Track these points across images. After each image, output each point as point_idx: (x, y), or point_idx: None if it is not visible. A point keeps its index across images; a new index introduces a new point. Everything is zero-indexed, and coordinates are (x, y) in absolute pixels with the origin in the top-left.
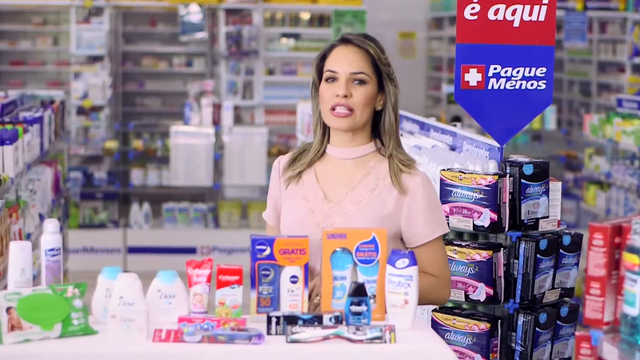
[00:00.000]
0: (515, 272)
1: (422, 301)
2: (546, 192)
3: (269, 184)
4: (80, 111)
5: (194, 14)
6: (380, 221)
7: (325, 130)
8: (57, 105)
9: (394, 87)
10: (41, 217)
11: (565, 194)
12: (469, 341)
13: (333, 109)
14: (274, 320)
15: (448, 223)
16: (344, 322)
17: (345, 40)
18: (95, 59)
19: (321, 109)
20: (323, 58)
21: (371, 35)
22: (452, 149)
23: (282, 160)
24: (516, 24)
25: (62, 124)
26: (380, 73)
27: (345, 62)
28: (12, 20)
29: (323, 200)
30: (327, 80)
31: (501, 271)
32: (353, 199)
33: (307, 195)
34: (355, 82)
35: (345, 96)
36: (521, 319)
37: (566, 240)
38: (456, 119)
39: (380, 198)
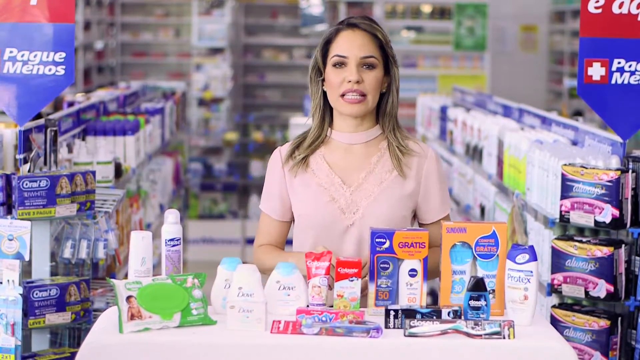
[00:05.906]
0: (637, 269)
1: (436, 274)
2: None
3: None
4: (201, 103)
5: (314, 6)
6: (404, 200)
7: (325, 115)
8: (178, 96)
9: (397, 70)
10: (161, 208)
11: None
12: (588, 338)
13: (343, 95)
14: (392, 313)
15: (569, 219)
16: (462, 317)
17: (352, 25)
18: (216, 51)
19: (329, 95)
20: (328, 42)
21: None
22: (574, 143)
23: (283, 150)
24: None
25: (183, 115)
26: (387, 56)
27: (354, 46)
28: (135, 12)
29: (342, 186)
30: (334, 65)
31: (622, 268)
32: (374, 181)
33: (322, 182)
34: (365, 66)
35: (358, 82)
36: None
37: None
38: (578, 113)
39: (400, 178)
